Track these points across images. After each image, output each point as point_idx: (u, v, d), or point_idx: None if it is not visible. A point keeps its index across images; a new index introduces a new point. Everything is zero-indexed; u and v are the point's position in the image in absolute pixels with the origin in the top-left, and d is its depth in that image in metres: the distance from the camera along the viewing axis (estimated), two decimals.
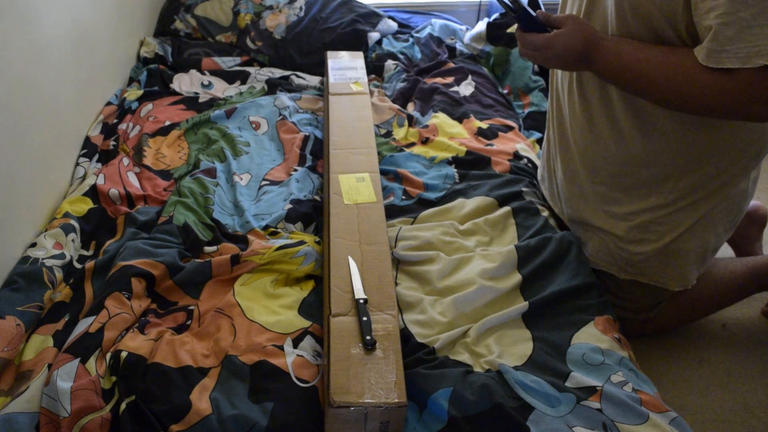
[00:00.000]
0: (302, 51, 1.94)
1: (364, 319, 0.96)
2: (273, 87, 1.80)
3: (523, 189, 1.33)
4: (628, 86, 0.99)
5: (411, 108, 1.73)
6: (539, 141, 1.63)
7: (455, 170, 1.43)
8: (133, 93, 1.70)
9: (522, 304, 1.08)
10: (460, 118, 1.63)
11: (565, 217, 1.29)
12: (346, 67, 1.75)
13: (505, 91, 1.85)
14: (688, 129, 1.02)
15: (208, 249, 1.21)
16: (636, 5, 0.95)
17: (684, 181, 1.07)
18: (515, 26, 1.07)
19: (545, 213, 1.28)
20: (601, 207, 1.18)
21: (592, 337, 1.04)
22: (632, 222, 1.14)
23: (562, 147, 1.23)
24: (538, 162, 1.48)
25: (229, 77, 1.84)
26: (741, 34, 0.82)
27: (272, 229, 1.27)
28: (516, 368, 0.99)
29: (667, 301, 1.27)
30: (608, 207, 1.17)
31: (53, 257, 1.15)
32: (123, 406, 0.90)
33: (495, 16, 2.03)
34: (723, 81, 0.86)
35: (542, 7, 1.08)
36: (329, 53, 1.83)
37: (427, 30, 2.09)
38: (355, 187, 1.26)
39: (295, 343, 1.02)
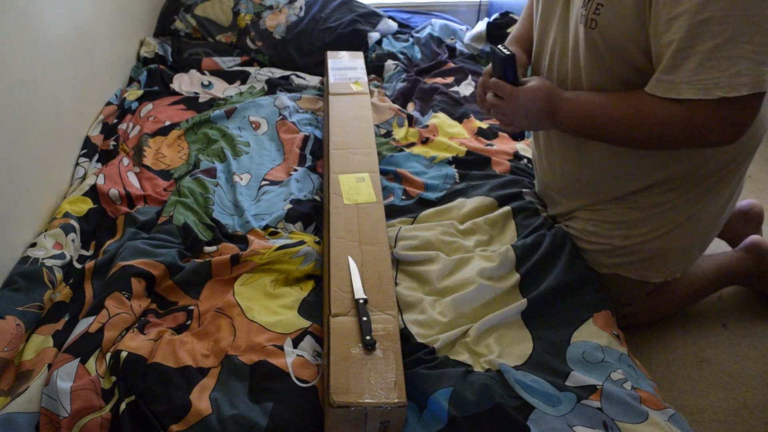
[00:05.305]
0: (302, 51, 1.94)
1: (364, 319, 0.96)
2: (273, 87, 1.80)
3: (523, 189, 1.33)
4: (591, 131, 1.02)
5: (411, 108, 1.73)
6: None
7: (455, 170, 1.43)
8: (133, 93, 1.70)
9: (521, 302, 1.08)
10: (460, 118, 1.63)
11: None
12: (346, 67, 1.75)
13: None
14: None
15: (208, 249, 1.21)
16: (611, 41, 0.96)
17: (671, 184, 1.08)
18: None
19: (545, 213, 1.28)
20: (588, 216, 1.19)
21: (591, 334, 1.05)
22: (619, 221, 1.14)
23: (550, 163, 1.24)
24: None
25: (229, 77, 1.84)
26: (700, 67, 0.85)
27: (272, 229, 1.27)
28: (516, 368, 0.99)
29: (642, 298, 1.27)
30: (595, 214, 1.18)
31: (53, 257, 1.15)
32: (123, 406, 0.90)
33: (495, 16, 2.03)
34: (681, 112, 0.89)
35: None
36: (329, 53, 1.83)
37: (427, 30, 2.09)
38: (355, 187, 1.26)
39: (295, 343, 1.02)
